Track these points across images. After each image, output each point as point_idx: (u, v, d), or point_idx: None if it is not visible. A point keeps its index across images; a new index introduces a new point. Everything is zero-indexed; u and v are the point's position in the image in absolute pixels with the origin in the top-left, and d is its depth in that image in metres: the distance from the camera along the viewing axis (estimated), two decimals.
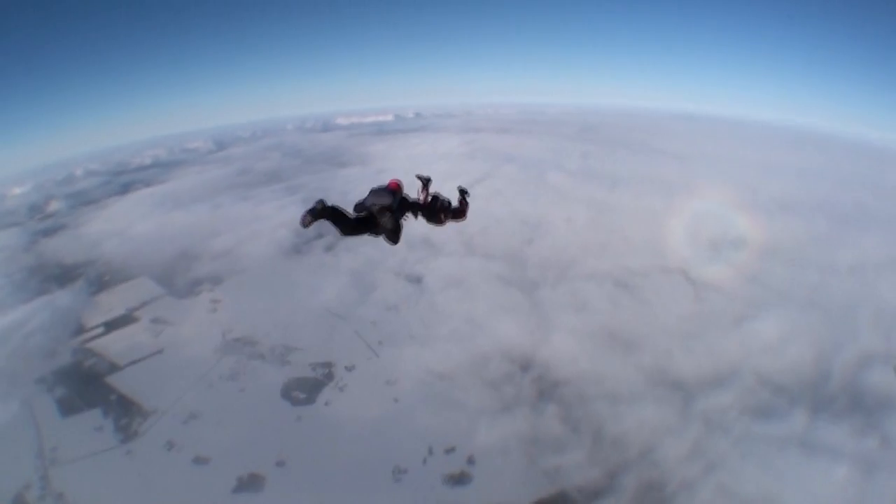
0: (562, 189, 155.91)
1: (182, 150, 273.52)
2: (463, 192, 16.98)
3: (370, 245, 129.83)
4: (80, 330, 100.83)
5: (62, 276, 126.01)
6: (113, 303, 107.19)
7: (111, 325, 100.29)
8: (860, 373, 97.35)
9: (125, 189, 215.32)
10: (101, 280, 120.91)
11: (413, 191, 16.50)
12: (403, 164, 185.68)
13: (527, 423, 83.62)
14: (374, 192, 15.22)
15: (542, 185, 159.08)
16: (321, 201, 14.36)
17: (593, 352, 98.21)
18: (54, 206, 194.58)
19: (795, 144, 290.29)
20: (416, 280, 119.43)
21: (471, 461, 72.10)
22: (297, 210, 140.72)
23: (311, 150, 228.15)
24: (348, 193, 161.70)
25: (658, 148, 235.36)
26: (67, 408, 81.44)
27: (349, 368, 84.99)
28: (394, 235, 15.57)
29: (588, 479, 77.25)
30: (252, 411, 76.79)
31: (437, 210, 16.29)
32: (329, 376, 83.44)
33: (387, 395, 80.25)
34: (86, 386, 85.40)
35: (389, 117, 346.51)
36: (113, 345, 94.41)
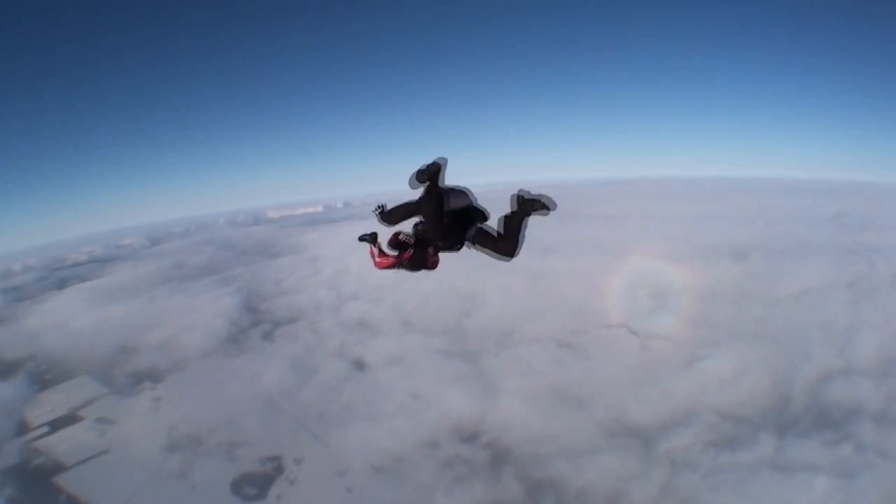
0: (494, 261, 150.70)
1: (116, 246, 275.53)
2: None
3: (307, 330, 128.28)
4: (25, 428, 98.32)
5: (2, 370, 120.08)
6: (56, 401, 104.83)
7: (55, 425, 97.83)
8: (820, 390, 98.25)
9: (62, 284, 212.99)
10: (43, 377, 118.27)
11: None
12: (336, 251, 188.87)
13: (485, 491, 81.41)
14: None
15: (474, 259, 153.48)
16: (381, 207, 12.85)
17: (544, 412, 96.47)
18: None
19: (719, 194, 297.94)
20: (357, 361, 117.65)
21: None
22: (232, 300, 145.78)
23: (244, 243, 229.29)
24: (283, 281, 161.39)
25: (586, 213, 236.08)
26: None
27: (298, 461, 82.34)
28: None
29: None
30: None
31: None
32: (279, 469, 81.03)
33: (339, 485, 77.59)
34: (35, 486, 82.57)
35: (319, 208, 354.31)
36: (59, 444, 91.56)
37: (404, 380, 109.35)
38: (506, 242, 10.83)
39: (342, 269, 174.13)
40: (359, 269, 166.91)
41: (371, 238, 13.26)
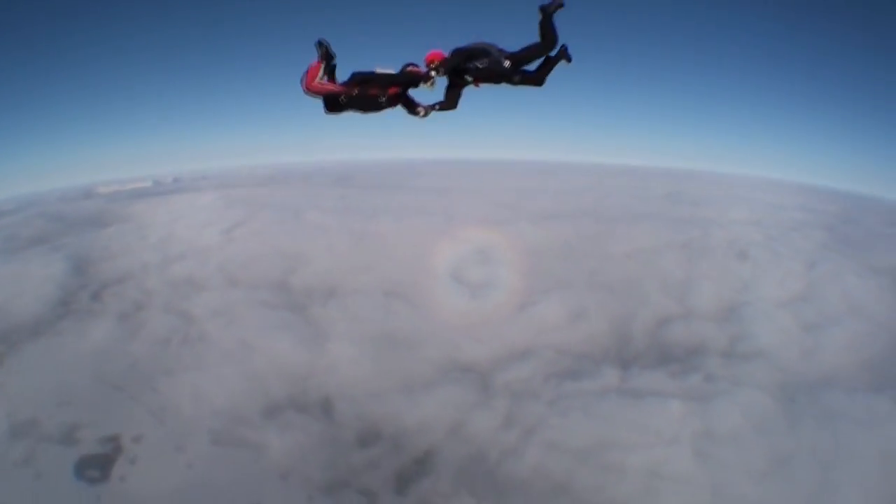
0: (320, 225, 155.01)
1: None
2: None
3: (134, 290, 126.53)
4: None
5: None
6: None
7: None
8: (661, 331, 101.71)
9: None
10: None
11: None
12: (164, 219, 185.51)
13: (320, 432, 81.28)
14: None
15: (299, 224, 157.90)
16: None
17: (374, 355, 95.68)
18: None
19: (550, 173, 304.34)
20: (184, 315, 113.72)
21: None
22: (62, 266, 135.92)
23: (74, 215, 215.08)
24: (110, 247, 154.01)
25: (416, 186, 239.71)
26: None
27: (136, 439, 77.61)
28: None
29: (398, 467, 74.87)
30: (52, 497, 69.37)
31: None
32: (118, 449, 76.18)
33: (179, 462, 73.90)
34: None
35: (148, 183, 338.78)
36: None
37: (231, 330, 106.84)
38: (540, 75, 13.58)
39: (169, 234, 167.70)
40: (185, 234, 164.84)
41: (325, 52, 14.02)
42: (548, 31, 12.59)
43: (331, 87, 13.79)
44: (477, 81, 13.54)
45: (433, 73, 13.25)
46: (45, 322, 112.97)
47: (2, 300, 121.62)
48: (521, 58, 13.09)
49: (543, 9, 12.34)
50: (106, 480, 71.27)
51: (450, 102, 13.99)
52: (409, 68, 13.52)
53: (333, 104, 13.84)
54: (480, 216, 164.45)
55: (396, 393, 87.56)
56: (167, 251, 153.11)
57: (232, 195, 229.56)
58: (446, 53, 13.36)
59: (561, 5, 12.24)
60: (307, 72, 13.69)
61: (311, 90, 13.66)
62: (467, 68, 13.24)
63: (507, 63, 13.04)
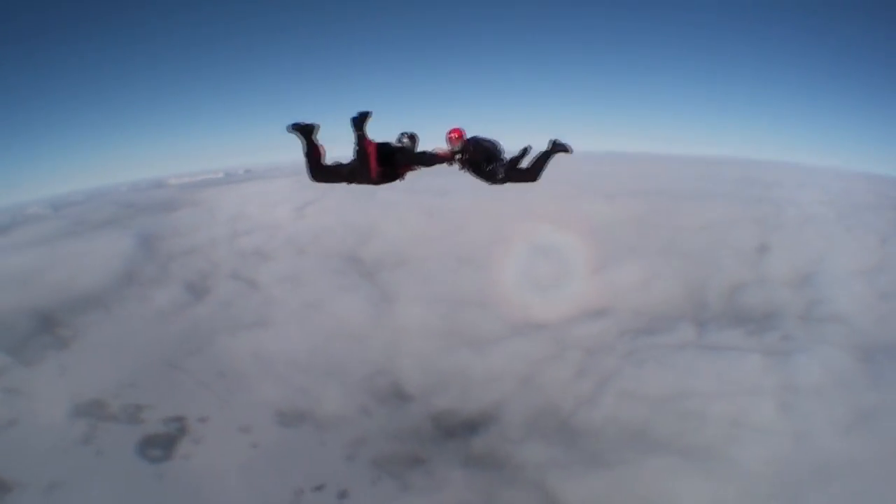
0: (392, 202, 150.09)
1: (19, 215, 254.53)
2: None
3: (202, 261, 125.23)
4: None
5: None
6: None
7: None
8: (736, 295, 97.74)
9: None
10: None
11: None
12: (234, 201, 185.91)
13: (387, 386, 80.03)
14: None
15: (371, 201, 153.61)
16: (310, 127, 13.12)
17: (444, 313, 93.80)
18: None
19: (621, 161, 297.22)
20: (250, 281, 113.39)
21: (343, 495, 64.43)
22: (130, 242, 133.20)
23: (144, 202, 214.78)
24: (180, 226, 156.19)
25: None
26: None
27: (202, 420, 76.31)
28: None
29: (466, 417, 72.75)
30: (112, 474, 67.98)
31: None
32: (183, 430, 75.05)
33: (244, 442, 72.21)
34: None
35: (220, 175, 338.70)
36: None
37: (297, 294, 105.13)
38: (535, 171, 14.30)
39: (238, 213, 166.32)
40: (255, 213, 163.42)
41: (308, 133, 13.24)
42: (542, 166, 13.91)
43: (375, 164, 13.28)
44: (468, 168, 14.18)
45: (457, 162, 13.97)
46: (112, 292, 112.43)
47: (69, 274, 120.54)
48: (512, 178, 14.03)
49: (554, 146, 13.83)
50: (169, 459, 70.24)
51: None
52: (437, 150, 13.88)
53: (326, 174, 13.46)
54: (554, 194, 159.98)
55: (465, 348, 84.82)
56: (236, 227, 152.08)
57: (304, 180, 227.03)
58: (464, 132, 13.97)
59: (569, 152, 13.85)
60: (370, 163, 13.15)
61: (376, 179, 13.60)
62: (479, 165, 13.86)
63: (501, 175, 13.88)
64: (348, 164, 13.14)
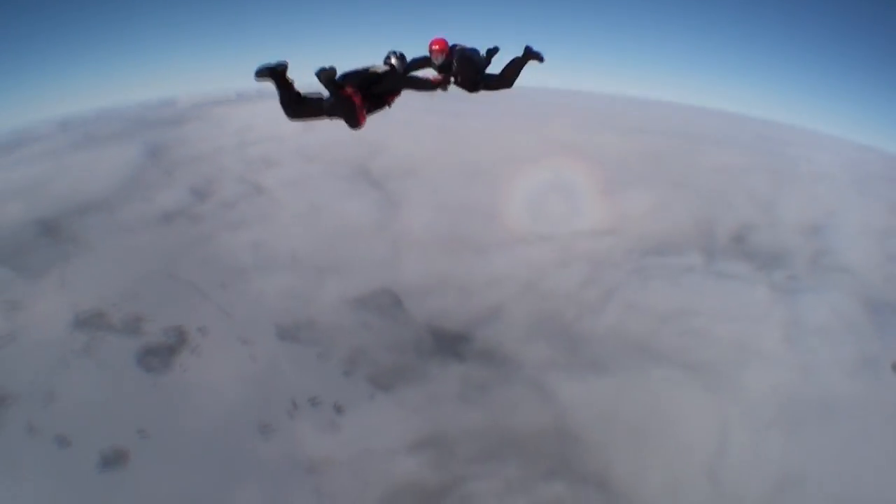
0: (405, 119, 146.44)
1: (29, 135, 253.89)
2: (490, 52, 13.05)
3: (208, 166, 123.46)
4: None
5: None
6: None
7: None
8: (745, 233, 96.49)
9: None
10: None
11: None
12: (243, 116, 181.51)
13: (388, 283, 78.26)
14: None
15: (384, 118, 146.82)
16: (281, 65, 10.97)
17: (449, 220, 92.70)
18: None
19: (642, 106, 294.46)
20: (256, 185, 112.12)
21: (338, 410, 63.34)
22: (137, 150, 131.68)
23: (153, 118, 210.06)
24: (187, 137, 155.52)
25: (506, 99, 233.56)
26: None
27: (201, 330, 74.60)
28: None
29: (467, 316, 71.19)
30: (109, 385, 66.57)
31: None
32: (182, 342, 73.53)
33: (243, 354, 71.10)
34: None
35: (232, 96, 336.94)
36: None
37: (302, 196, 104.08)
38: (509, 78, 12.81)
39: (247, 125, 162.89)
40: (264, 125, 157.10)
41: (280, 73, 11.05)
42: (516, 72, 12.65)
43: (363, 114, 11.65)
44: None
45: (447, 83, 11.97)
46: (116, 199, 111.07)
47: (74, 184, 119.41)
48: (488, 85, 12.69)
49: (527, 53, 12.50)
50: (167, 369, 69.04)
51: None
52: (423, 72, 12.18)
53: (303, 112, 11.42)
54: (570, 124, 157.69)
55: (469, 252, 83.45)
56: (244, 137, 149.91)
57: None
58: (446, 40, 12.09)
59: (541, 60, 12.62)
60: (357, 113, 11.43)
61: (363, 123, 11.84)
62: (472, 83, 12.46)
63: (480, 86, 12.61)
64: (328, 100, 11.22)
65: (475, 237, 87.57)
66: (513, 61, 12.60)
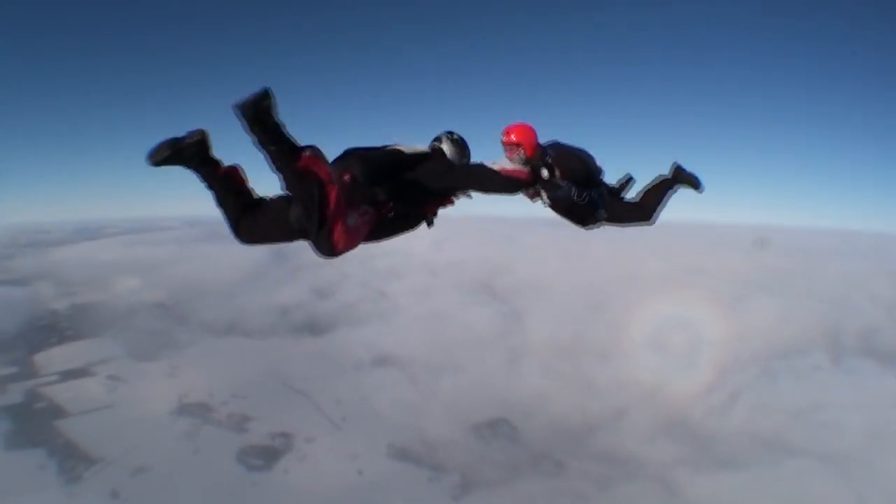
0: (530, 243, 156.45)
1: (157, 226, 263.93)
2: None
3: (332, 270, 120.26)
4: (33, 374, 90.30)
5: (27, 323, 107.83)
6: (70, 355, 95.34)
7: (65, 376, 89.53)
8: (871, 335, 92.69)
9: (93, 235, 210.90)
10: (63, 332, 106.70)
11: None
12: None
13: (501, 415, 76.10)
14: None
15: (510, 242, 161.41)
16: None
17: (573, 329, 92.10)
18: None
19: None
20: (379, 291, 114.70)
21: None
22: (264, 253, 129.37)
23: None
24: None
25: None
26: (11, 442, 72.08)
27: (309, 440, 73.31)
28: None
29: (591, 417, 70.36)
30: (204, 472, 66.14)
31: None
32: (288, 447, 72.51)
33: (350, 468, 68.41)
34: (33, 426, 75.08)
35: None
36: (65, 392, 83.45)
37: (424, 304, 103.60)
38: (649, 207, 8.64)
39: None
40: (392, 242, 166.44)
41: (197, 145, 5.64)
42: (659, 201, 8.52)
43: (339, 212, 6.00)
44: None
45: (536, 182, 7.57)
46: (239, 288, 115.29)
47: (196, 269, 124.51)
48: (617, 217, 8.36)
49: (680, 174, 8.42)
50: (268, 470, 68.57)
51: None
52: (504, 166, 7.30)
53: (258, 228, 6.32)
54: (692, 246, 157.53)
55: (592, 358, 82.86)
56: (370, 250, 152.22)
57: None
58: (533, 129, 7.71)
59: (698, 187, 8.52)
60: (326, 210, 5.85)
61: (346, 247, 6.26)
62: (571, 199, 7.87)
63: (602, 213, 8.10)
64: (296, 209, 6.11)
65: (598, 344, 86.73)
66: (655, 184, 8.72)
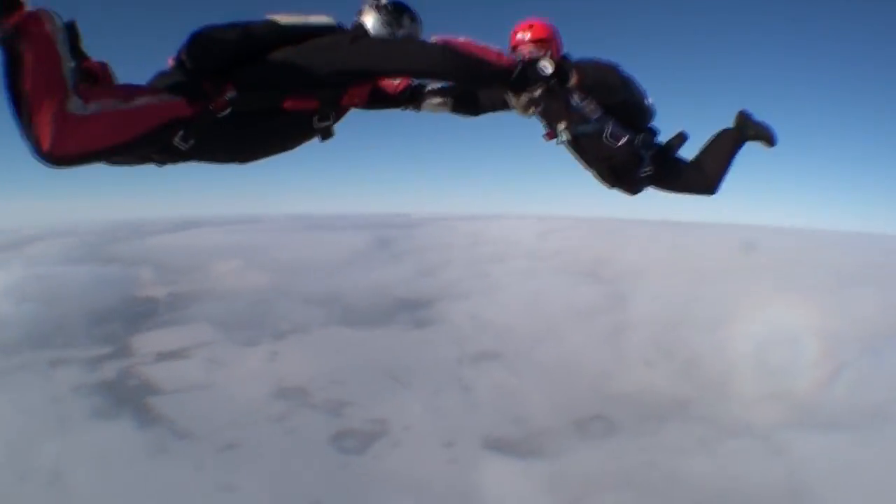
0: (636, 234, 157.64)
1: (258, 219, 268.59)
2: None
3: (436, 254, 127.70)
4: (129, 354, 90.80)
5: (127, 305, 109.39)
6: (168, 338, 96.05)
7: (162, 357, 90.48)
8: None
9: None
10: (160, 317, 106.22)
11: None
12: (478, 227, 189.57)
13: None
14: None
15: (614, 234, 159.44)
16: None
17: (679, 306, 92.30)
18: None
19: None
20: (480, 272, 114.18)
21: None
22: (368, 240, 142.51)
23: (384, 222, 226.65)
24: (417, 237, 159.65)
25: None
26: (100, 413, 72.38)
27: (406, 428, 72.50)
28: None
29: (693, 384, 71.42)
30: (295, 452, 66.28)
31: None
32: (384, 432, 72.03)
33: (443, 456, 67.40)
34: (125, 402, 75.78)
35: (466, 215, 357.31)
36: (160, 372, 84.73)
37: (526, 284, 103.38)
38: (709, 170, 6.70)
39: (478, 230, 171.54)
40: (496, 232, 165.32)
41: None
42: (726, 161, 6.76)
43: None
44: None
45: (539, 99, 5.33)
46: (338, 269, 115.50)
47: (295, 252, 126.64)
48: (669, 179, 6.70)
49: (748, 125, 6.65)
50: (361, 454, 67.75)
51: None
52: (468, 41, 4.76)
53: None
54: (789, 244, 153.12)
55: (695, 330, 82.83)
56: (476, 239, 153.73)
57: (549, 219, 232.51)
58: (554, 30, 5.76)
59: (772, 141, 6.73)
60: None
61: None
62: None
63: (647, 168, 6.35)
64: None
65: (703, 318, 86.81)
66: (716, 140, 6.90)
